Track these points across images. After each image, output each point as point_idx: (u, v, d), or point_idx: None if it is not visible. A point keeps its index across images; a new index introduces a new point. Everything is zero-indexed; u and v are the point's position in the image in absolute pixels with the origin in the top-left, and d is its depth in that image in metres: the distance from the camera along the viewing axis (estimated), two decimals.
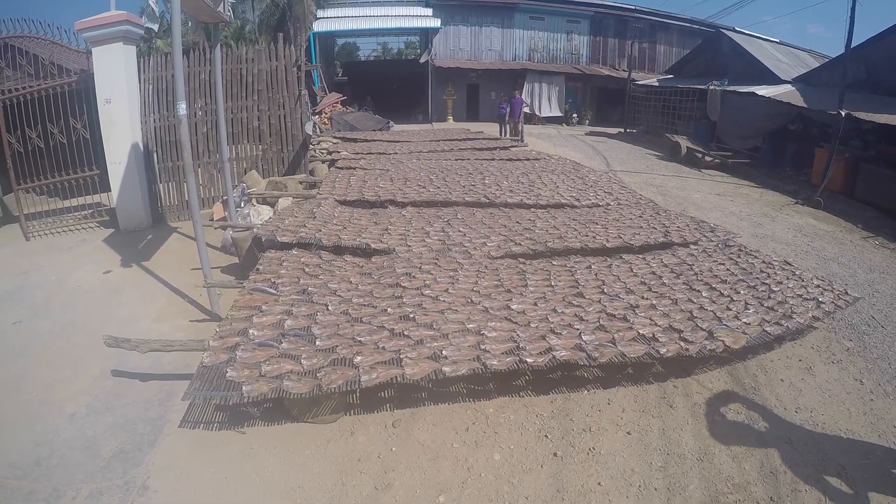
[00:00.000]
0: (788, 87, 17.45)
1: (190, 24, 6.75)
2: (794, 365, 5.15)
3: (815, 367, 5.13)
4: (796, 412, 4.44)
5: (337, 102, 20.84)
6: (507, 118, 20.05)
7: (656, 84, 24.61)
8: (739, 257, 6.61)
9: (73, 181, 9.26)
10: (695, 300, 5.21)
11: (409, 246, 6.23)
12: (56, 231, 9.13)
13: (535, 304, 4.88)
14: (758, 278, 5.92)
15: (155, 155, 9.59)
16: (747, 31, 27.12)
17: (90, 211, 9.60)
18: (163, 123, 9.60)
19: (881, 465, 3.85)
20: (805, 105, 15.25)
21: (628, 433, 4.07)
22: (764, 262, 6.50)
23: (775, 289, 5.66)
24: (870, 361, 5.32)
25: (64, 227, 9.23)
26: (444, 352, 3.96)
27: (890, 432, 4.25)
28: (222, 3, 6.69)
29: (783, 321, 4.97)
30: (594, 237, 6.80)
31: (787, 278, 6.02)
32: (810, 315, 5.22)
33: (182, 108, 5.36)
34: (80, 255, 8.00)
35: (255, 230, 6.57)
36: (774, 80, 18.32)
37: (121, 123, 8.72)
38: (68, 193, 9.34)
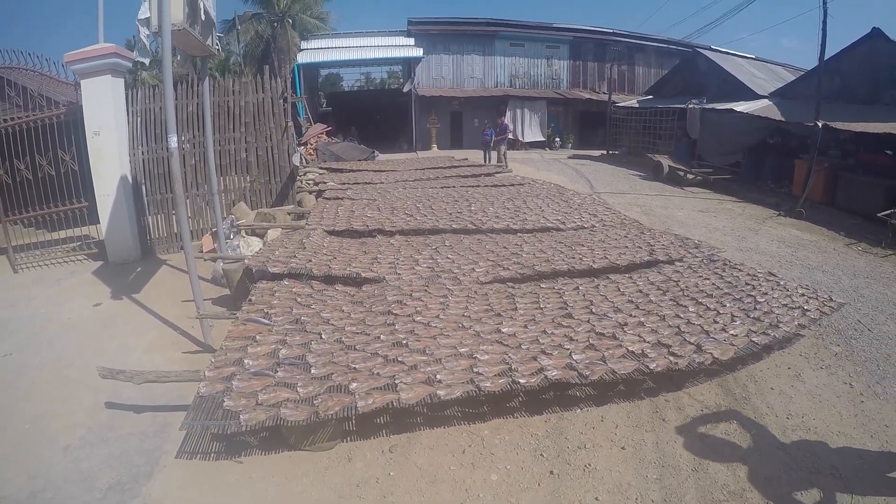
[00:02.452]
0: (766, 101, 17.80)
1: (178, 57, 6.86)
2: (783, 373, 5.25)
3: (804, 374, 5.23)
4: (787, 418, 4.52)
5: (322, 133, 20.96)
6: (491, 145, 20.23)
7: (636, 105, 24.96)
8: (724, 271, 6.73)
9: (61, 213, 9.27)
10: (682, 315, 5.30)
11: (399, 274, 6.29)
12: (44, 263, 9.11)
13: (526, 327, 4.94)
14: (743, 290, 6.04)
15: (143, 187, 9.61)
16: (723, 49, 27.68)
17: (79, 243, 9.60)
18: (151, 156, 9.64)
19: (874, 465, 3.93)
20: (782, 118, 15.57)
21: (623, 448, 4.12)
22: (749, 274, 6.62)
23: (761, 300, 5.77)
24: (858, 364, 5.43)
25: (52, 260, 9.20)
26: (437, 376, 4.01)
27: (881, 432, 4.34)
28: (211, 37, 6.80)
29: (770, 331, 5.07)
30: (581, 259, 6.89)
31: (773, 289, 6.14)
32: (796, 323, 5.32)
33: (174, 141, 5.43)
34: (69, 288, 7.99)
35: (246, 261, 6.61)
36: (751, 95, 18.68)
37: (109, 156, 8.75)
38: (56, 225, 9.33)
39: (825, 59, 13.98)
